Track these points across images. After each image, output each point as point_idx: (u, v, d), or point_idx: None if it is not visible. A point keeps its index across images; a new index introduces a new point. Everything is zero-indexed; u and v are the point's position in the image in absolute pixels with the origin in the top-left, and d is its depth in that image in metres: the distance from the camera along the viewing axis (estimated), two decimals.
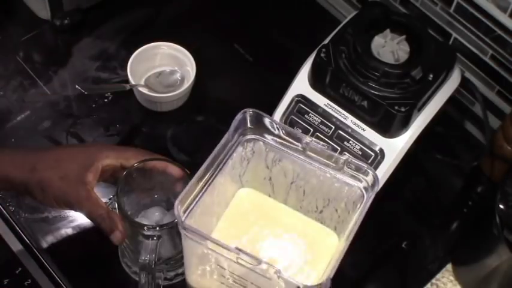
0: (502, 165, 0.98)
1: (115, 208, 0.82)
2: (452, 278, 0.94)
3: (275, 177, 0.85)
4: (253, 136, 0.82)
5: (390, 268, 0.95)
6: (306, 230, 0.86)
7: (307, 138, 0.79)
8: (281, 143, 0.81)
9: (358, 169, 0.78)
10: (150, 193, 0.88)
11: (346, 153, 0.87)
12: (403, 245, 0.96)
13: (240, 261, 0.69)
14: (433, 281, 0.93)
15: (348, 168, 0.79)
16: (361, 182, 0.79)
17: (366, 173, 0.78)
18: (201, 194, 0.77)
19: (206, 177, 0.77)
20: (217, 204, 0.83)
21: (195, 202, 0.76)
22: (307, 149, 0.80)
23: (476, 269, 0.91)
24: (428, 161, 1.04)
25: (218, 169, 0.79)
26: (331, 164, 0.80)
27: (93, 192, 0.80)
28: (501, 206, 0.82)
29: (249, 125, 0.81)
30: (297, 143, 0.80)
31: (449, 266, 0.94)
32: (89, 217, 0.82)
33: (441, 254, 0.96)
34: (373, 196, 0.77)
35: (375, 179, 0.77)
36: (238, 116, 0.80)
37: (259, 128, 0.81)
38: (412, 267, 0.95)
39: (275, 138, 0.81)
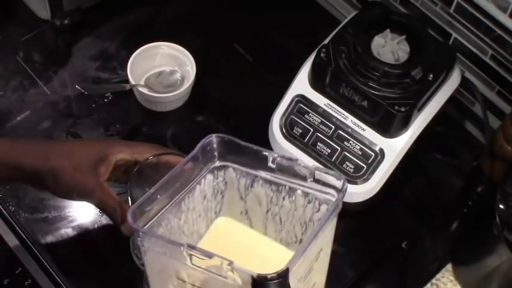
0: (502, 165, 0.98)
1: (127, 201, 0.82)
2: (452, 278, 0.94)
3: (251, 209, 0.83)
4: (222, 163, 0.79)
5: (390, 268, 0.95)
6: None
7: (274, 154, 0.76)
8: (250, 165, 0.78)
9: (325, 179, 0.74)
10: None
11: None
12: (403, 245, 0.96)
13: (194, 260, 0.67)
14: (433, 281, 0.93)
15: (318, 176, 0.74)
16: (333, 196, 0.75)
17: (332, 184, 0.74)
18: (164, 210, 0.74)
19: (169, 192, 0.75)
20: (187, 233, 0.80)
21: (156, 217, 0.73)
22: (275, 164, 0.76)
23: (476, 269, 0.91)
24: (428, 161, 1.04)
25: (185, 190, 0.77)
26: (301, 177, 0.76)
27: (105, 184, 0.81)
28: (501, 206, 0.82)
29: (216, 151, 0.78)
30: (265, 160, 0.76)
31: (449, 266, 0.94)
32: (100, 207, 0.82)
33: (441, 254, 0.96)
34: (341, 200, 0.73)
35: (344, 185, 0.73)
36: (204, 141, 0.77)
37: (228, 153, 0.78)
38: (412, 267, 0.95)
39: (244, 160, 0.78)
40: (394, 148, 0.91)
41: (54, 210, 0.93)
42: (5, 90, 1.04)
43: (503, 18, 0.92)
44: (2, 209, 0.93)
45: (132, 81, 1.01)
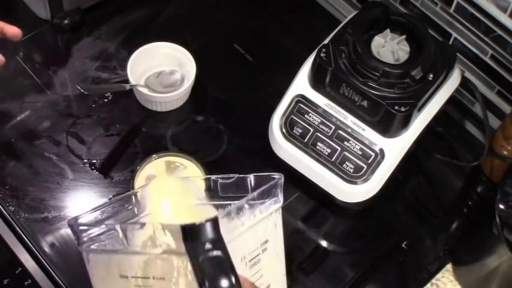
0: (502, 165, 0.98)
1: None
2: (452, 278, 0.94)
3: None
4: None
5: (390, 268, 0.95)
6: None
7: (213, 176, 0.76)
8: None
9: (265, 180, 0.74)
10: None
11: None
12: (403, 245, 0.96)
13: (130, 241, 0.67)
14: (433, 281, 0.93)
15: (257, 182, 0.75)
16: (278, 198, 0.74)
17: (275, 191, 0.73)
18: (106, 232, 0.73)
19: (111, 215, 0.75)
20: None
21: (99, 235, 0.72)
22: (216, 187, 0.76)
23: (476, 269, 0.91)
24: (428, 161, 1.04)
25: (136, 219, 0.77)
26: (244, 190, 0.76)
27: None
28: (501, 206, 0.82)
29: None
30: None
31: (449, 266, 0.95)
32: None
33: (441, 254, 0.96)
34: (280, 194, 0.72)
35: (281, 177, 0.72)
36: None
37: None
38: (412, 267, 0.95)
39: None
40: (394, 148, 0.91)
41: (54, 210, 0.93)
42: (5, 90, 1.04)
43: (503, 18, 0.92)
44: (2, 209, 0.93)
45: (132, 81, 1.01)
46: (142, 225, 0.66)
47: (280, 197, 0.74)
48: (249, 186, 0.77)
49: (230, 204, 0.77)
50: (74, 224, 0.71)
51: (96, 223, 0.72)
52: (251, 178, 0.76)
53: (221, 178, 0.78)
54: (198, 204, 0.81)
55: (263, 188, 0.72)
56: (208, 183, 0.81)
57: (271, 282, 0.77)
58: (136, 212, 0.80)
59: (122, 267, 0.71)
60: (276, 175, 0.75)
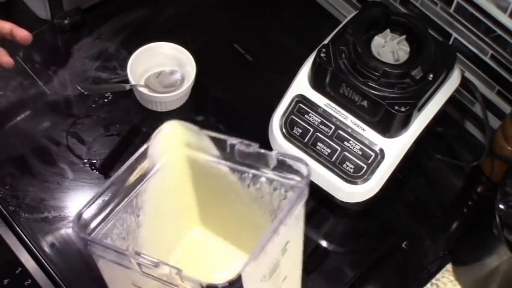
0: (502, 165, 0.98)
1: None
2: (452, 278, 0.94)
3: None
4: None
5: (390, 268, 0.95)
6: None
7: (230, 140, 0.72)
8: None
9: (289, 166, 0.71)
10: None
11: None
12: (403, 245, 0.96)
13: (143, 268, 0.64)
14: (433, 281, 0.93)
15: (281, 161, 0.71)
16: (299, 182, 0.71)
17: (297, 170, 0.71)
18: (115, 211, 0.71)
19: (119, 192, 0.72)
20: (148, 228, 0.76)
21: (107, 220, 0.71)
22: (233, 151, 0.73)
23: (476, 269, 0.91)
24: (428, 161, 1.04)
25: (139, 186, 0.74)
26: (264, 164, 0.73)
27: None
28: (501, 206, 0.82)
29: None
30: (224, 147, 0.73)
31: (449, 266, 0.95)
32: None
33: (441, 254, 0.96)
34: (306, 188, 0.69)
35: (309, 171, 0.69)
36: (158, 132, 0.74)
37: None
38: (412, 267, 0.95)
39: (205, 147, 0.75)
40: (394, 148, 0.91)
41: (54, 210, 0.93)
42: (5, 90, 1.04)
43: (503, 18, 0.92)
44: (2, 209, 0.93)
45: (132, 81, 1.01)
46: (156, 265, 0.62)
47: (306, 190, 0.69)
48: (270, 163, 0.73)
49: (248, 173, 0.75)
50: (80, 230, 0.68)
51: (110, 246, 0.69)
52: (273, 156, 0.72)
53: (239, 143, 0.73)
54: (214, 163, 0.77)
55: (296, 200, 0.67)
56: (222, 144, 0.76)
57: (288, 274, 0.76)
58: (146, 168, 0.77)
59: (134, 279, 0.70)
60: (303, 167, 0.69)
